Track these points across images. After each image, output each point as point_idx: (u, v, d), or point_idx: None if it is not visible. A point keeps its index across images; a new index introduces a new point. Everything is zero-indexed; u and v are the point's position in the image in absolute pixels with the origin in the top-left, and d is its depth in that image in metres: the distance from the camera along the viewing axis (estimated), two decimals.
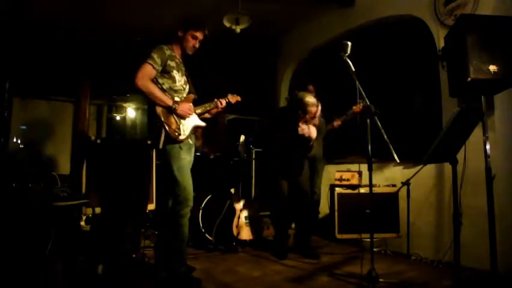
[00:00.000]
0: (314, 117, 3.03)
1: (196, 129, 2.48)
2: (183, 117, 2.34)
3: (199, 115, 2.51)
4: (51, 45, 4.93)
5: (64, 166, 5.30)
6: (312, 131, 3.00)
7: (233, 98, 2.74)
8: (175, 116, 2.30)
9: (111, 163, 2.95)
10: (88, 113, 5.63)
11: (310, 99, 3.01)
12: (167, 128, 2.24)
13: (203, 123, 2.53)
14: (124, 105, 6.60)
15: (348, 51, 2.31)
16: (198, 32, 2.40)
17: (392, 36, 3.88)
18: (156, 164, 3.34)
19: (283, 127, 3.09)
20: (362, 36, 4.00)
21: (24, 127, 5.32)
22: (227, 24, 3.81)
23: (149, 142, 3.09)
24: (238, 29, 3.81)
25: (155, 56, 2.26)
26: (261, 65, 5.43)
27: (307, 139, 3.03)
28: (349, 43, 2.31)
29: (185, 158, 2.35)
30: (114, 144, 3.17)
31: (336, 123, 3.70)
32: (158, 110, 2.24)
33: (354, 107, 3.55)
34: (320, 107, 3.05)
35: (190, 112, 2.37)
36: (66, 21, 4.47)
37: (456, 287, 2.32)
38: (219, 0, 3.82)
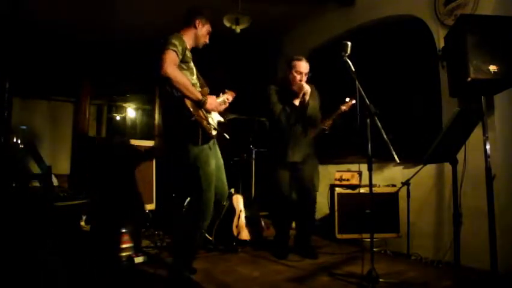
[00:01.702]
0: (304, 72, 3.01)
1: None
2: (210, 112, 2.20)
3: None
4: (51, 45, 4.93)
5: (64, 166, 5.30)
6: (306, 86, 2.97)
7: (230, 94, 2.59)
8: (203, 110, 2.12)
9: (110, 163, 2.95)
10: (88, 113, 5.64)
11: (296, 56, 3.08)
12: (202, 123, 2.04)
13: (222, 118, 2.40)
14: (124, 105, 6.61)
15: (349, 51, 2.31)
16: (210, 24, 2.32)
17: (392, 36, 3.88)
18: (156, 164, 3.34)
19: (279, 97, 3.09)
20: (362, 36, 4.00)
21: (24, 127, 5.32)
22: (227, 24, 3.81)
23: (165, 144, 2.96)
24: (238, 29, 3.81)
25: (176, 42, 2.03)
26: (261, 65, 5.43)
27: (303, 98, 3.00)
28: (349, 43, 2.31)
29: (212, 163, 2.17)
30: (113, 144, 3.17)
31: (328, 123, 3.69)
32: (189, 103, 2.02)
33: (342, 106, 3.54)
34: (308, 64, 3.04)
35: (218, 106, 2.24)
36: (66, 21, 4.47)
37: (456, 287, 2.32)
38: (219, 0, 3.82)
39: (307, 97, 3.00)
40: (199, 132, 2.04)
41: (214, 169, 2.20)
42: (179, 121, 2.09)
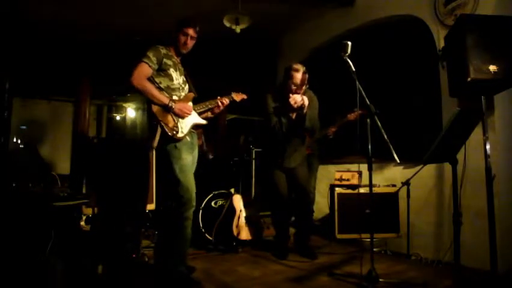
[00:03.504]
0: (301, 84, 2.93)
1: (196, 128, 2.46)
2: (181, 117, 2.32)
3: (200, 114, 2.49)
4: (51, 45, 4.93)
5: (64, 166, 5.31)
6: (304, 99, 2.88)
7: (238, 96, 2.71)
8: (172, 115, 2.29)
9: (110, 163, 2.95)
10: (88, 113, 5.64)
11: (295, 64, 2.98)
12: (164, 126, 2.23)
13: (203, 121, 2.50)
14: (124, 105, 6.62)
15: (348, 51, 2.31)
16: (189, 28, 2.40)
17: (392, 36, 3.88)
18: (156, 164, 3.34)
19: (275, 107, 3.03)
20: (362, 36, 4.00)
21: (24, 127, 5.32)
22: (227, 24, 3.81)
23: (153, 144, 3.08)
24: (238, 29, 3.81)
25: (150, 54, 2.26)
26: (261, 65, 5.43)
27: (301, 110, 2.92)
28: (349, 43, 2.31)
29: (187, 158, 2.33)
30: (113, 144, 3.17)
31: (332, 130, 3.71)
32: (155, 108, 2.24)
33: (348, 115, 3.54)
34: (306, 75, 2.94)
35: (187, 112, 2.35)
36: (66, 21, 4.47)
37: (456, 287, 2.32)
38: (219, 0, 3.83)
39: (305, 109, 2.90)
40: (156, 134, 2.23)
41: (190, 163, 2.37)
42: (148, 123, 2.33)
